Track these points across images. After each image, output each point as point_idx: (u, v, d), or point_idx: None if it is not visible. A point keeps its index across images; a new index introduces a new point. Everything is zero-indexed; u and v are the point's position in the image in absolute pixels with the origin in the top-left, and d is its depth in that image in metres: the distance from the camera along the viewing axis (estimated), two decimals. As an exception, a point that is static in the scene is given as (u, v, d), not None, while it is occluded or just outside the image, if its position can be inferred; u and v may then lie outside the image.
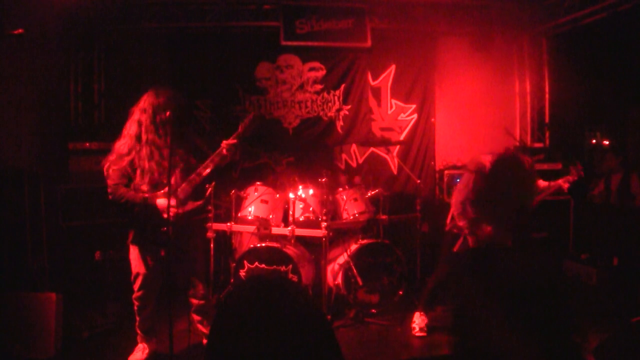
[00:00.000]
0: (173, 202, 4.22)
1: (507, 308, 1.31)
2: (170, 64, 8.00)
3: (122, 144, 4.43)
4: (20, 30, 5.07)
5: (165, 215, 4.20)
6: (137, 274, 4.56)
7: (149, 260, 4.52)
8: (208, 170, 4.46)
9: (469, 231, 5.14)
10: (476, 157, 5.22)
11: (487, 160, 5.11)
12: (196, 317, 4.75)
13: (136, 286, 4.59)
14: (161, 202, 4.34)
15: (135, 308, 4.66)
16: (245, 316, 1.22)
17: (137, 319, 4.71)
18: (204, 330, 4.75)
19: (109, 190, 4.40)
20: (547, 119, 8.95)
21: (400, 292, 6.18)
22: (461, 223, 5.18)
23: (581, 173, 5.94)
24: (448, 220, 5.45)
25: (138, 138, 4.39)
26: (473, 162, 5.23)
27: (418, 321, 5.55)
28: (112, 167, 4.40)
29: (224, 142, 4.48)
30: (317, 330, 1.25)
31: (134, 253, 4.55)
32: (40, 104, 6.92)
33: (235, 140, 4.50)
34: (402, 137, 8.48)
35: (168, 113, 4.31)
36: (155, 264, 4.53)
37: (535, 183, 5.03)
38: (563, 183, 5.90)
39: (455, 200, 5.21)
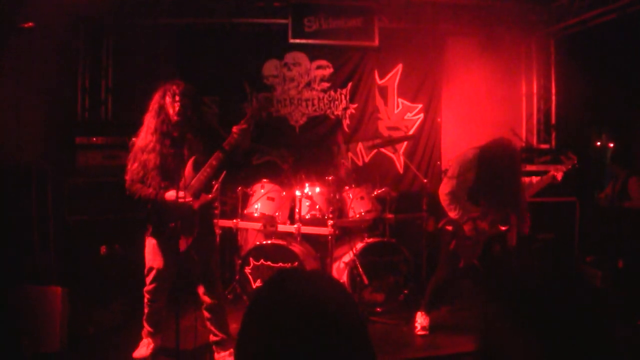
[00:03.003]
0: (182, 194, 4.23)
1: (520, 308, 1.30)
2: (178, 59, 8.00)
3: (141, 139, 4.46)
4: (30, 24, 5.06)
5: (176, 208, 4.22)
6: (151, 268, 4.55)
7: (164, 254, 4.52)
8: (220, 160, 4.44)
9: (462, 220, 5.15)
10: (463, 151, 5.26)
11: (471, 152, 5.15)
12: (206, 315, 4.73)
13: (149, 279, 4.58)
14: (170, 194, 4.34)
15: (145, 300, 4.67)
16: (277, 310, 1.20)
17: (146, 311, 4.71)
18: (213, 328, 4.74)
19: (126, 185, 4.43)
20: (553, 120, 8.93)
21: (406, 291, 6.19)
22: (452, 214, 5.20)
23: (574, 162, 5.86)
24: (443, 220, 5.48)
25: (154, 132, 4.40)
26: (460, 156, 5.26)
27: (420, 320, 5.56)
28: (131, 162, 4.44)
29: (235, 127, 4.47)
30: (348, 321, 1.24)
31: (149, 247, 4.55)
32: (47, 98, 6.93)
33: (245, 125, 4.48)
34: (408, 137, 8.48)
35: (178, 107, 4.35)
36: (170, 259, 4.52)
37: (520, 169, 5.03)
38: (555, 172, 5.77)
39: (442, 191, 5.22)
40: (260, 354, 1.18)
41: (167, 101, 4.40)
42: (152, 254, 4.54)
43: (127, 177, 4.44)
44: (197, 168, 4.47)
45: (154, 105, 4.46)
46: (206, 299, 4.66)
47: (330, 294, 1.28)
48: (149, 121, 4.44)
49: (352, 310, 1.28)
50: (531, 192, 5.69)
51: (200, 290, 4.66)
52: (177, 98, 4.38)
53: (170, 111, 4.38)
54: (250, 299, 1.32)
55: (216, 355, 4.77)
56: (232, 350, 4.73)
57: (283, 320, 1.18)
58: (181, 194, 4.18)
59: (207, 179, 4.48)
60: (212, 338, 4.78)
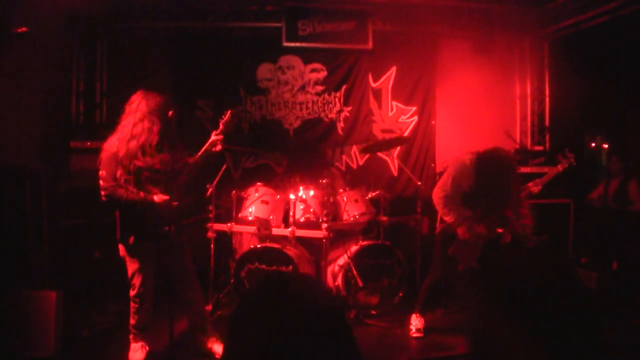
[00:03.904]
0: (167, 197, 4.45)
1: (518, 308, 1.31)
2: (172, 63, 8.01)
3: (113, 144, 4.46)
4: (23, 29, 5.08)
5: (164, 212, 4.40)
6: (138, 272, 4.57)
7: (148, 257, 4.57)
8: (194, 170, 4.69)
9: (457, 223, 5.16)
10: (459, 156, 5.28)
11: (468, 158, 5.16)
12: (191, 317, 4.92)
13: (137, 283, 4.59)
14: (159, 197, 4.45)
15: (135, 306, 4.67)
16: (259, 317, 1.21)
17: (135, 318, 4.70)
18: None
19: (105, 192, 4.40)
20: (547, 122, 8.95)
21: (401, 294, 6.20)
22: (446, 217, 5.21)
23: (571, 160, 5.92)
24: (438, 223, 5.49)
25: (130, 137, 4.43)
26: (456, 161, 5.28)
27: (415, 323, 5.58)
28: (109, 167, 4.42)
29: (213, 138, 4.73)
30: (335, 325, 1.25)
31: (131, 251, 4.56)
32: (42, 102, 6.93)
33: (219, 137, 4.73)
34: (402, 139, 8.48)
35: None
36: (152, 260, 4.60)
37: (516, 178, 5.07)
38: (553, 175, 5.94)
39: (436, 195, 5.24)
40: (246, 355, 1.18)
41: (147, 108, 4.51)
42: (136, 257, 4.57)
43: (105, 184, 4.40)
44: (175, 174, 4.59)
45: (131, 110, 4.52)
46: (189, 300, 4.87)
47: (316, 296, 1.29)
48: (128, 127, 4.47)
49: (338, 313, 1.29)
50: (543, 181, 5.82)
51: (179, 287, 4.81)
52: (155, 107, 4.53)
53: (149, 118, 4.49)
54: (238, 301, 1.33)
55: (213, 347, 4.91)
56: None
57: (269, 322, 1.19)
58: (165, 197, 4.44)
59: (186, 184, 4.68)
60: (201, 334, 4.96)
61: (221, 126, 4.77)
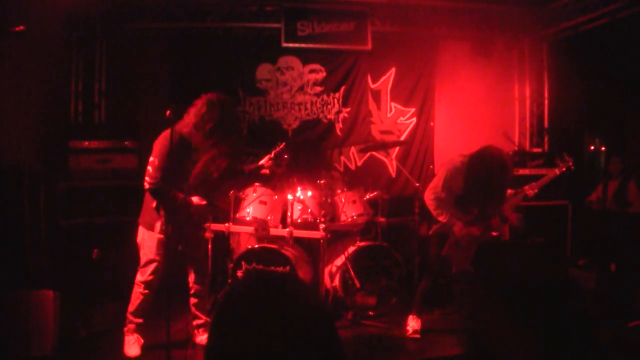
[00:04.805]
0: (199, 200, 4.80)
1: (515, 308, 1.31)
2: (171, 64, 8.00)
3: (173, 137, 4.50)
4: (21, 27, 5.07)
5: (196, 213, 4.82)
6: (153, 260, 4.70)
7: (166, 250, 4.66)
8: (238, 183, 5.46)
9: (451, 223, 5.17)
10: (450, 159, 5.29)
11: (459, 160, 5.17)
12: (193, 300, 5.14)
13: (148, 271, 4.72)
14: (195, 199, 4.74)
15: (139, 291, 4.76)
16: (246, 313, 1.20)
17: (135, 304, 4.78)
18: (198, 312, 5.17)
19: (151, 181, 4.49)
20: (546, 124, 8.95)
21: (398, 295, 6.19)
22: (440, 218, 5.22)
23: (570, 164, 5.88)
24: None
25: (188, 138, 4.62)
26: (447, 163, 5.29)
27: (412, 324, 5.58)
28: (158, 157, 4.50)
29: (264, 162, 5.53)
30: (320, 328, 1.25)
31: (152, 240, 4.66)
32: (40, 102, 6.92)
33: (270, 162, 5.53)
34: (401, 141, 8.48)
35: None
36: (167, 254, 4.68)
37: (506, 178, 5.03)
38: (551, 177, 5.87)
39: (428, 197, 5.25)
40: (229, 354, 1.18)
41: (207, 114, 4.62)
42: (155, 248, 4.67)
43: (156, 173, 4.48)
44: (220, 180, 5.20)
45: (194, 113, 4.61)
46: (195, 286, 5.08)
47: (302, 297, 1.28)
48: (185, 127, 4.59)
49: (324, 316, 1.29)
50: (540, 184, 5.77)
51: (191, 278, 5.08)
52: (216, 112, 4.68)
53: (209, 124, 4.62)
54: (222, 298, 1.32)
55: (197, 338, 5.12)
56: None
57: (251, 321, 1.18)
58: (196, 199, 4.76)
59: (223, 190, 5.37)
60: (195, 322, 5.14)
61: (273, 154, 5.43)
